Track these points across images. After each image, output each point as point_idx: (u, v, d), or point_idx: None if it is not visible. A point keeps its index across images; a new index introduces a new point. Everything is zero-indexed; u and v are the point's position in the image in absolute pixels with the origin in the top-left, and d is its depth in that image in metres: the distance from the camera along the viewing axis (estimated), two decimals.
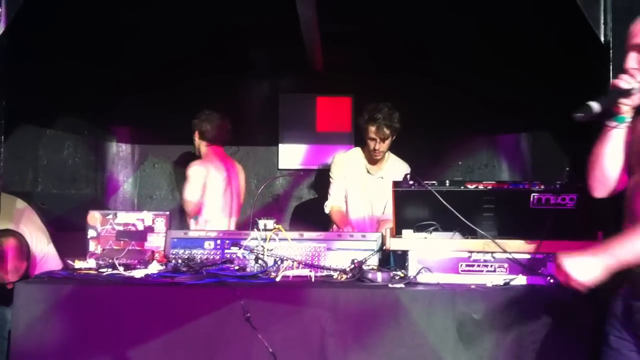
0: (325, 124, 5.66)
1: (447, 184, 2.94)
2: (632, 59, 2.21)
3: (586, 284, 2.06)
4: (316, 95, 5.67)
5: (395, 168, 4.25)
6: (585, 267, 2.06)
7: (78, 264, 3.03)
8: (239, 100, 5.52)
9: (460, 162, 5.58)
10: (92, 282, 2.78)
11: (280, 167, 5.64)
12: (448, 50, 5.11)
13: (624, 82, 2.17)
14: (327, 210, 4.28)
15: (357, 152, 4.36)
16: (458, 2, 4.45)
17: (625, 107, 2.21)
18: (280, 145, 5.67)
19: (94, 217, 3.27)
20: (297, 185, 5.64)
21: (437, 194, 2.86)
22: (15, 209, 3.43)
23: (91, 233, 3.25)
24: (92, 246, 3.25)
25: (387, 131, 4.04)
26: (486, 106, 5.05)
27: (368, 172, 4.28)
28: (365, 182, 4.27)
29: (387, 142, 4.12)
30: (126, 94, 5.23)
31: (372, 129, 4.06)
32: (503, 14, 4.52)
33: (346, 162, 4.32)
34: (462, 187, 2.94)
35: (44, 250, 3.48)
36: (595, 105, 2.11)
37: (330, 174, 4.36)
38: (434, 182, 2.96)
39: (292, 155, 5.67)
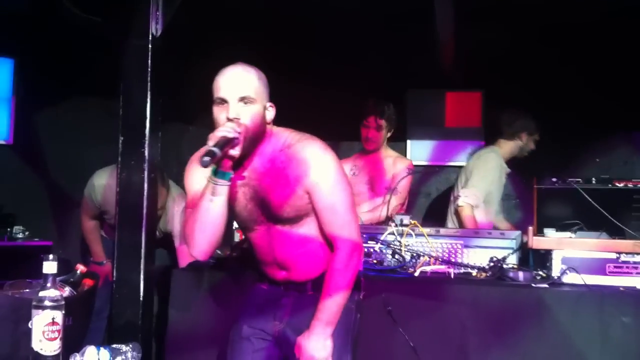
0: (455, 120, 5.59)
1: (594, 182, 2.85)
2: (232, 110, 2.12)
3: (324, 358, 2.19)
4: (445, 90, 5.61)
5: None
6: (316, 345, 2.18)
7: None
8: (367, 95, 5.55)
9: (597, 160, 5.34)
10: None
11: None
12: (582, 48, 4.93)
13: (226, 130, 2.06)
14: (461, 206, 4.10)
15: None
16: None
17: (231, 159, 2.10)
18: (408, 141, 5.67)
19: None
20: (426, 181, 5.61)
21: (583, 192, 2.78)
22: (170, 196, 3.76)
23: (235, 224, 3.41)
24: (237, 237, 3.41)
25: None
26: (624, 101, 4.82)
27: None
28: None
29: None
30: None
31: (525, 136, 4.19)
32: None
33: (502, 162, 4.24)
34: (610, 185, 2.84)
35: None
36: (217, 150, 2.00)
37: (488, 172, 4.12)
38: (579, 179, 2.88)
39: (420, 151, 5.65)
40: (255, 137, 2.17)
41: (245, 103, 2.13)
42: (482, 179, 4.05)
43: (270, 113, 2.24)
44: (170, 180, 4.05)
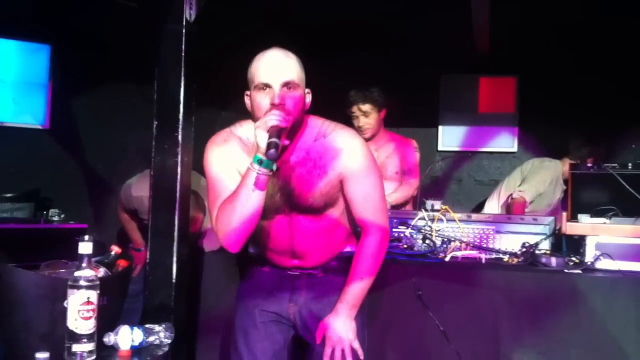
0: (488, 105, 5.52)
1: (630, 167, 2.80)
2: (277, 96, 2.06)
3: (352, 339, 2.21)
4: (479, 75, 5.54)
5: None
6: (343, 327, 2.20)
7: None
8: (399, 81, 5.51)
9: (633, 146, 5.24)
10: None
11: (439, 148, 5.59)
12: (620, 34, 4.84)
13: (277, 119, 1.99)
14: (515, 198, 4.38)
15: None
16: None
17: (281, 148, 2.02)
18: (440, 127, 5.62)
19: None
20: (458, 167, 5.58)
21: (619, 177, 2.74)
22: (200, 186, 3.70)
23: None
24: None
25: None
26: None
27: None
28: None
29: None
30: None
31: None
32: None
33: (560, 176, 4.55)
34: None
35: None
36: (278, 140, 1.95)
37: (544, 179, 4.47)
38: (615, 165, 2.83)
39: (452, 136, 5.61)
40: (297, 124, 2.13)
41: (289, 88, 2.08)
42: (537, 184, 4.40)
43: (308, 99, 2.21)
44: (200, 176, 4.01)
